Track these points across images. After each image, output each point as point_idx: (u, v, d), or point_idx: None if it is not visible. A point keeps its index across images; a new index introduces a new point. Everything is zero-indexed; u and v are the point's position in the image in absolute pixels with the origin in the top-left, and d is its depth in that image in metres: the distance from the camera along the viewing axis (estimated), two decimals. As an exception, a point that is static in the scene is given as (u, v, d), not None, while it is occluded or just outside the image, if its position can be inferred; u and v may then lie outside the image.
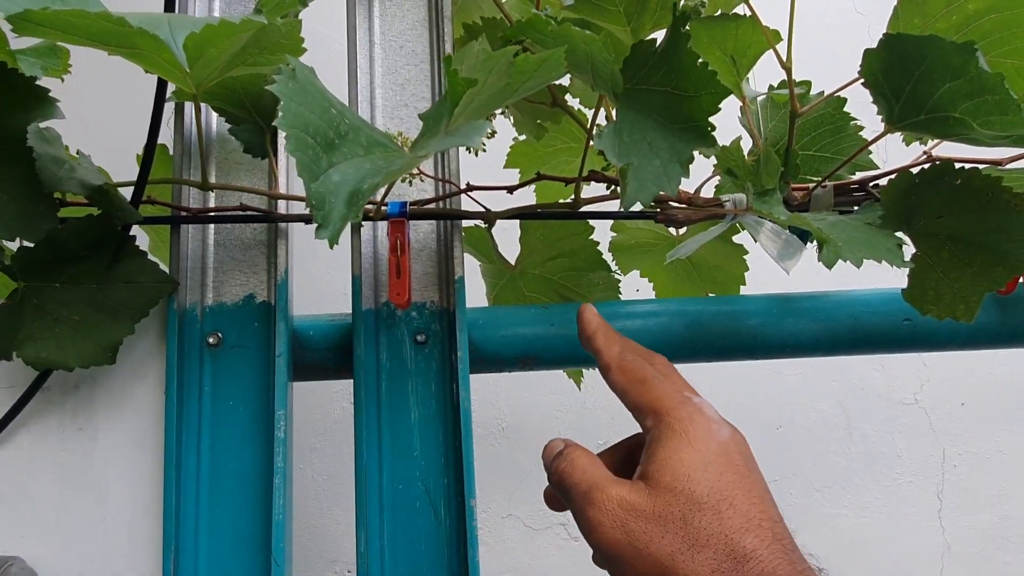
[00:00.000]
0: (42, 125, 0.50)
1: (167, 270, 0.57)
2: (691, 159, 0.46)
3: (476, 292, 0.68)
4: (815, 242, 0.57)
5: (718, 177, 0.68)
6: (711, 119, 0.46)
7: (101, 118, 1.03)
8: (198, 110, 0.54)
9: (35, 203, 0.48)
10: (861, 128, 0.65)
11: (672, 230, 0.75)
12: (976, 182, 0.50)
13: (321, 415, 1.15)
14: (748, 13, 0.55)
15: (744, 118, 0.65)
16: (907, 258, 0.50)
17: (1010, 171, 0.61)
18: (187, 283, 0.58)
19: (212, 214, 0.59)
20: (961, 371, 1.29)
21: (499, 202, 0.64)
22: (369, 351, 0.58)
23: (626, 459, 0.44)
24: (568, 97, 0.67)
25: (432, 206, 0.60)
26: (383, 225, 0.60)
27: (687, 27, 0.45)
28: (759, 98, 0.66)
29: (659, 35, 0.50)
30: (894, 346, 0.67)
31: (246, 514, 0.55)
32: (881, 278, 0.68)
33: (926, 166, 0.53)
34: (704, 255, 0.75)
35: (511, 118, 0.71)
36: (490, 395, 1.19)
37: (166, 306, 0.57)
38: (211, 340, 0.57)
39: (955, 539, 1.25)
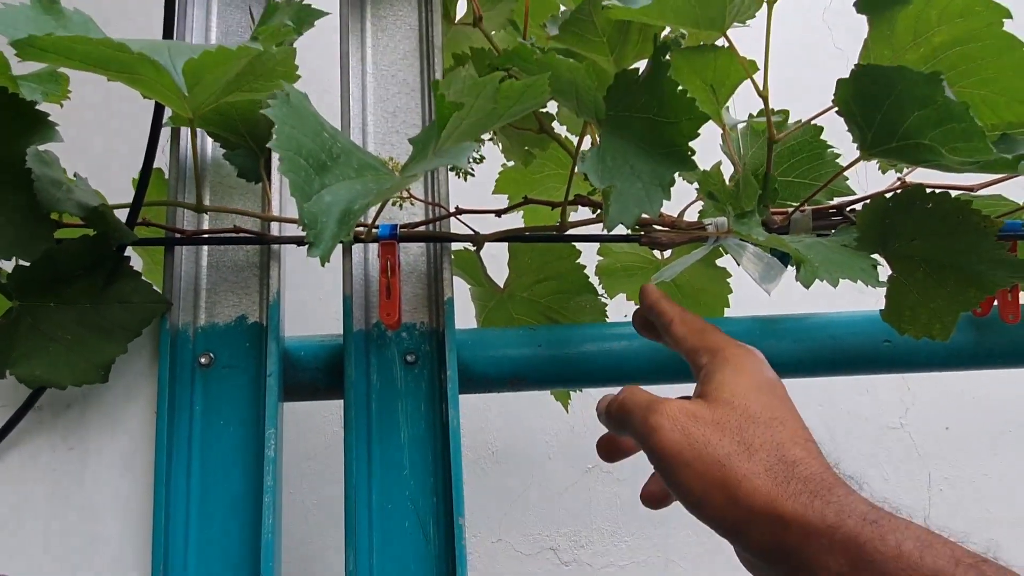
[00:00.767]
0: (41, 148, 0.52)
1: (160, 292, 0.58)
2: (672, 182, 0.48)
3: (465, 314, 0.69)
4: (795, 264, 0.59)
5: (701, 202, 0.70)
6: (691, 144, 0.48)
7: (99, 143, 1.05)
8: (194, 135, 0.56)
9: (32, 223, 0.49)
10: (838, 155, 0.67)
11: (657, 253, 0.77)
12: (946, 205, 0.52)
13: (311, 440, 1.15)
14: (726, 44, 0.57)
15: (724, 145, 0.67)
16: (883, 279, 0.52)
17: (980, 197, 0.64)
18: (180, 304, 0.59)
19: (206, 235, 0.60)
20: (946, 395, 1.31)
21: (488, 227, 0.65)
22: (359, 371, 0.59)
23: None
24: (555, 125, 0.69)
25: (422, 229, 0.61)
26: (374, 247, 0.61)
27: (667, 56, 0.47)
28: (739, 126, 0.68)
29: (641, 64, 0.52)
30: (874, 367, 0.69)
31: (235, 534, 0.55)
32: (865, 303, 0.70)
33: (899, 191, 0.55)
34: (688, 278, 0.77)
35: (499, 145, 0.73)
36: (480, 420, 1.20)
37: (159, 326, 0.58)
38: (203, 360, 0.58)
39: (943, 564, 1.24)
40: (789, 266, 0.63)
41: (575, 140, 0.69)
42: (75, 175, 0.57)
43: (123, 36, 0.42)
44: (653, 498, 0.47)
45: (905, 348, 0.67)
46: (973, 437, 1.30)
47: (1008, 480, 1.30)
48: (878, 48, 0.55)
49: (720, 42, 0.59)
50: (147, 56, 0.42)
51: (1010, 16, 0.53)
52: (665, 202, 0.49)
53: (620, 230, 0.51)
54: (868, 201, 0.56)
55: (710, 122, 0.51)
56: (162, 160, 0.59)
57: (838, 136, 0.67)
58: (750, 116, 0.68)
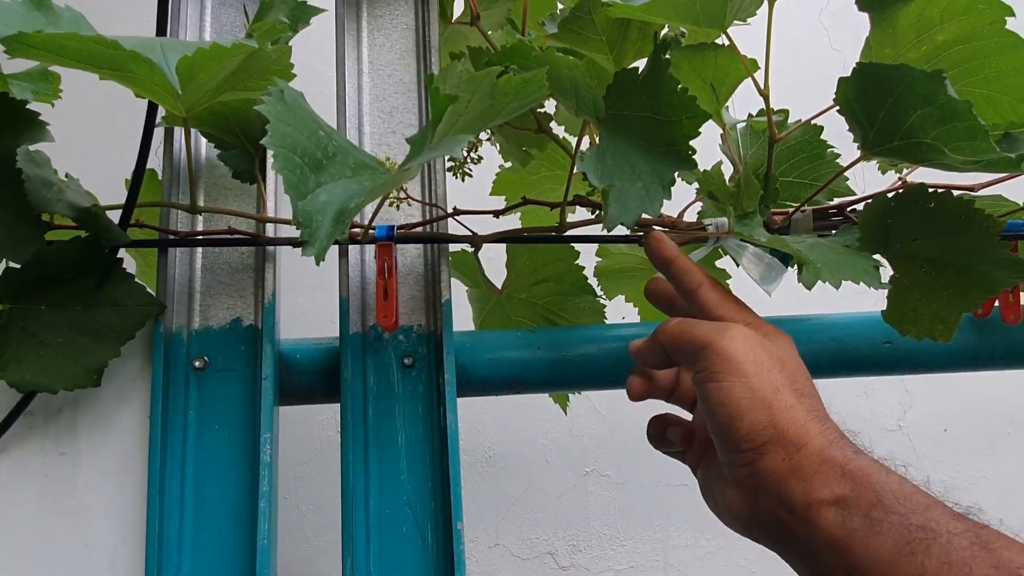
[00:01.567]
0: (31, 148, 0.51)
1: (154, 294, 0.57)
2: (673, 182, 0.47)
3: (463, 316, 0.69)
4: (796, 265, 0.58)
5: (700, 203, 0.70)
6: (691, 143, 0.48)
7: (91, 143, 1.04)
8: (188, 134, 0.55)
9: (23, 224, 0.48)
10: (838, 155, 0.67)
11: (656, 255, 0.76)
12: (949, 205, 0.52)
13: (307, 445, 1.14)
14: (727, 43, 0.57)
15: (724, 145, 0.66)
16: (884, 280, 0.51)
17: (981, 197, 0.63)
18: (174, 306, 0.58)
19: (200, 237, 0.59)
20: (943, 397, 1.31)
21: (485, 228, 0.64)
22: (356, 374, 0.58)
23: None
24: (553, 125, 0.68)
25: (419, 230, 0.61)
26: (370, 249, 0.61)
27: (667, 55, 0.46)
28: (739, 125, 0.68)
29: (641, 64, 0.51)
30: (875, 368, 0.68)
31: (231, 540, 0.55)
32: (863, 305, 0.70)
33: (901, 190, 0.54)
34: (688, 280, 0.76)
35: (497, 145, 0.73)
36: (477, 423, 1.19)
37: (152, 329, 0.57)
38: (197, 364, 0.57)
39: (942, 566, 1.24)
40: (790, 267, 0.62)
41: (573, 141, 0.69)
42: (67, 176, 0.57)
43: (116, 32, 0.42)
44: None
45: (906, 349, 0.67)
46: (971, 439, 1.30)
47: (1007, 482, 1.30)
48: (880, 46, 0.54)
49: (721, 40, 0.58)
50: (139, 54, 0.41)
51: (1013, 14, 0.52)
52: (665, 202, 0.48)
53: (619, 231, 0.50)
54: (869, 201, 0.55)
55: (709, 122, 0.51)
56: (155, 161, 0.58)
57: (836, 137, 0.66)
58: (749, 116, 0.67)
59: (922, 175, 0.63)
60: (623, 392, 0.57)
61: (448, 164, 0.68)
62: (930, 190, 0.53)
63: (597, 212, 0.65)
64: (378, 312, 0.58)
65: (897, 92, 0.48)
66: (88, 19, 0.47)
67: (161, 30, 0.53)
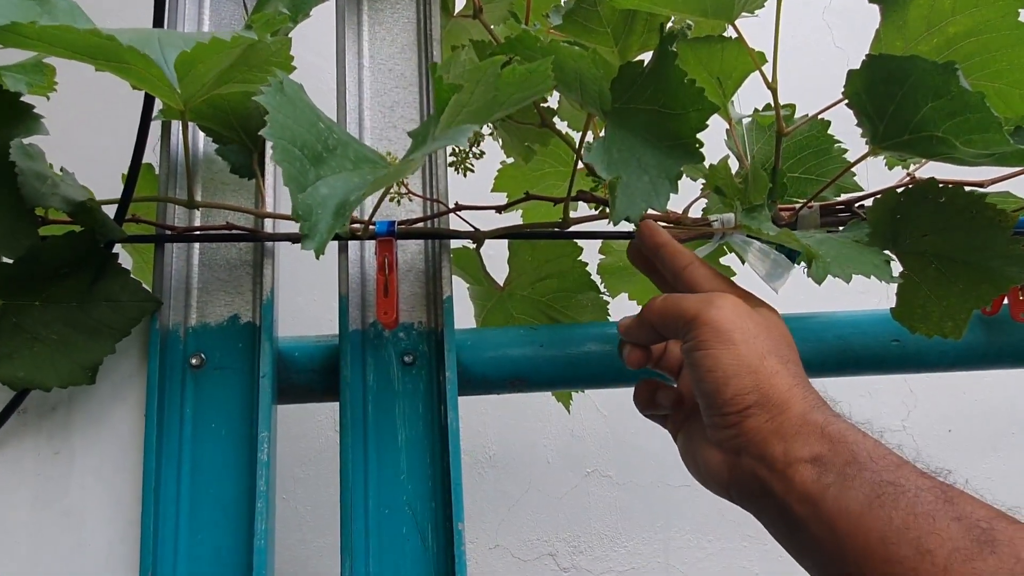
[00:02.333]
0: (25, 141, 0.50)
1: (150, 290, 0.56)
2: (680, 175, 0.46)
3: (464, 314, 0.68)
4: (802, 263, 0.57)
5: (705, 199, 0.69)
6: (699, 136, 0.47)
7: (86, 137, 1.03)
8: (185, 128, 0.54)
9: (16, 219, 0.47)
10: (845, 151, 0.66)
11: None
12: (960, 200, 0.51)
13: (305, 445, 1.13)
14: (734, 35, 0.56)
15: (731, 140, 0.65)
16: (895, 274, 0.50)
17: (989, 194, 0.62)
18: (170, 303, 0.57)
19: (197, 232, 0.58)
20: (948, 397, 1.30)
21: (487, 224, 0.63)
22: (356, 372, 0.58)
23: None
24: (556, 121, 0.67)
25: (420, 225, 0.60)
26: (370, 245, 0.60)
27: (674, 46, 0.46)
28: (745, 120, 0.67)
29: (646, 57, 0.50)
30: (883, 367, 0.67)
31: (227, 540, 0.54)
32: (868, 303, 0.69)
33: (911, 185, 0.53)
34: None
35: (499, 140, 0.72)
36: (477, 423, 1.18)
37: (148, 326, 0.56)
38: (194, 361, 0.56)
39: (946, 568, 1.23)
40: (797, 263, 0.61)
41: (576, 136, 0.68)
42: (61, 169, 0.56)
43: (114, 22, 0.41)
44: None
45: (914, 348, 0.66)
46: (976, 440, 1.29)
47: (1011, 482, 1.29)
48: (890, 38, 0.53)
49: (728, 32, 0.57)
50: (136, 47, 0.40)
51: (1024, 6, 0.51)
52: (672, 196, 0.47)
53: (624, 226, 0.49)
54: (878, 196, 0.54)
55: (714, 116, 0.50)
56: (152, 156, 0.57)
57: (842, 134, 0.65)
58: (755, 111, 0.66)
59: (930, 171, 0.62)
60: (625, 392, 0.56)
61: (450, 159, 0.67)
62: (940, 185, 0.52)
63: (601, 208, 0.64)
64: (378, 309, 0.57)
65: (908, 84, 0.47)
66: (84, 10, 0.46)
67: (158, 24, 0.52)
